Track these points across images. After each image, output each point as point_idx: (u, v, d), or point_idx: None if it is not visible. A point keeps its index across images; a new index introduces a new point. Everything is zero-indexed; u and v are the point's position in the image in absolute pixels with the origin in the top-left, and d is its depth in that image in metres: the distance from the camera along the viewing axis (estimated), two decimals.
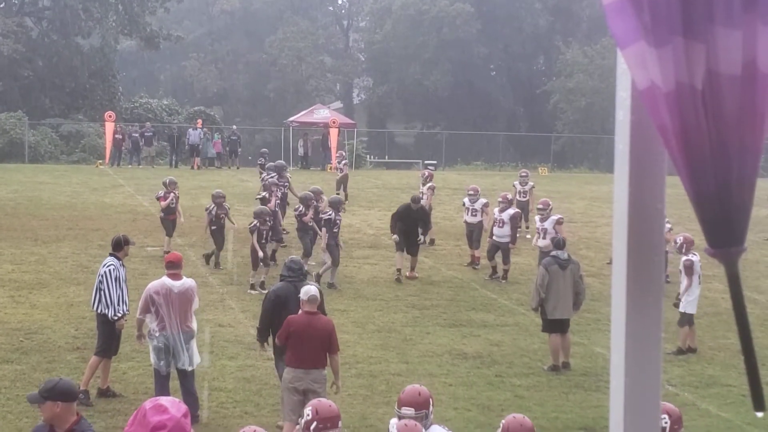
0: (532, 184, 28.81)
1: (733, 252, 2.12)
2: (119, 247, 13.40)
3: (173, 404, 4.57)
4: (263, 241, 20.11)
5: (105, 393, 13.06)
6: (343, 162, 35.49)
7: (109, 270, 13.03)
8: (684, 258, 16.51)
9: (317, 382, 11.04)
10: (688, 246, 16.63)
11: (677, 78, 2.00)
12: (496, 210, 22.47)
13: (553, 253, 15.82)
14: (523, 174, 29.38)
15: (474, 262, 23.45)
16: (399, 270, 21.66)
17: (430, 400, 7.89)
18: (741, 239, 2.15)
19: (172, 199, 23.11)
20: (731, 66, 2.00)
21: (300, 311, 11.27)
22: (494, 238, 22.18)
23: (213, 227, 22.11)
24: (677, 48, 1.99)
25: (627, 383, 2.07)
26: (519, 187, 28.51)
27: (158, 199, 23.61)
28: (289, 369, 11.10)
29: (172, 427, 4.41)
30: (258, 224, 20.06)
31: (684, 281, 16.57)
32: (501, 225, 21.98)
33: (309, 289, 11.29)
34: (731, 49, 1.99)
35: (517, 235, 22.78)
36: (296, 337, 11.01)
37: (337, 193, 34.39)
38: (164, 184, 23.76)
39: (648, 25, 2.01)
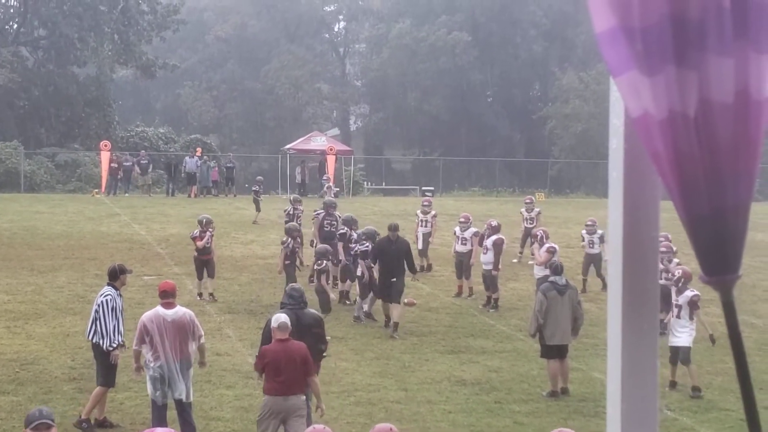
0: (538, 210, 28.90)
1: (727, 280, 2.11)
2: (115, 276, 13.34)
3: None
4: (328, 282, 19.39)
5: (102, 424, 13.00)
6: (327, 186, 38.69)
7: (106, 300, 12.98)
8: (692, 293, 15.95)
9: (298, 408, 11.16)
10: (686, 280, 16.05)
11: (670, 106, 2.00)
12: (471, 235, 22.61)
13: (551, 278, 15.80)
14: (528, 201, 29.38)
15: (460, 293, 23.19)
16: (387, 317, 19.56)
17: None
18: (736, 267, 2.14)
19: (208, 239, 21.69)
20: (723, 94, 2.01)
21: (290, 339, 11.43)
22: (483, 266, 22.10)
23: (287, 261, 21.09)
24: (670, 76, 1.99)
25: (624, 410, 2.06)
26: (526, 214, 28.61)
27: (194, 239, 21.83)
28: (268, 398, 11.21)
29: None
30: (326, 264, 19.30)
31: (684, 315, 16.00)
32: (485, 252, 21.91)
33: (279, 317, 11.45)
34: (723, 77, 2.00)
35: (513, 260, 22.54)
36: (273, 366, 11.12)
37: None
38: (200, 222, 22.03)
39: (641, 54, 2.01)
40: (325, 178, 45.04)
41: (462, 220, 23.52)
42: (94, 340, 13.03)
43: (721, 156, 2.02)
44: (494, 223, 22.49)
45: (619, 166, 2.15)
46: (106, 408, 13.22)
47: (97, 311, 12.96)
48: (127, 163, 47.44)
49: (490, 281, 21.89)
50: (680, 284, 16.04)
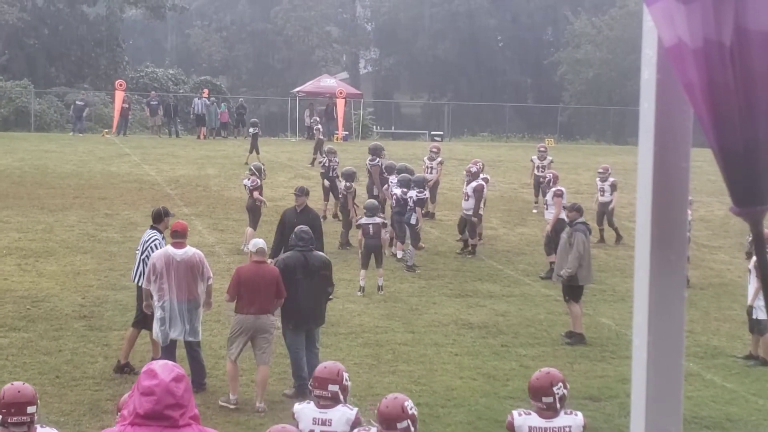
0: (551, 158, 27.88)
1: (758, 211, 2.09)
2: (159, 219, 13.37)
3: (164, 369, 4.52)
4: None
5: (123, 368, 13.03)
6: (316, 128, 38.85)
7: (155, 244, 12.94)
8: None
9: (266, 326, 11.87)
10: None
11: (705, 35, 1.98)
12: (464, 183, 22.16)
13: (581, 220, 15.74)
14: (542, 149, 28.53)
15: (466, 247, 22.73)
16: None
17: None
18: (766, 198, 2.11)
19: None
20: (760, 23, 1.97)
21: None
22: (463, 211, 21.76)
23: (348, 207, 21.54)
24: (706, 4, 1.96)
25: (650, 342, 2.06)
26: (537, 162, 27.56)
27: (256, 189, 20.80)
28: (239, 316, 11.90)
29: (160, 393, 4.39)
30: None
31: (753, 283, 14.24)
32: (466, 198, 21.42)
33: (257, 242, 12.23)
34: (760, 6, 1.96)
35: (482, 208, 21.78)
36: (246, 285, 11.81)
37: (314, 157, 34.34)
38: (258, 171, 21.43)
39: None
40: (313, 120, 45.07)
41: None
42: (140, 283, 12.95)
43: (756, 86, 1.99)
44: (473, 168, 22.10)
45: (651, 97, 2.13)
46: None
47: (143, 254, 12.91)
48: (154, 103, 47.55)
49: (470, 227, 21.47)
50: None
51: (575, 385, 13.14)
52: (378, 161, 23.25)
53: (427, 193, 20.93)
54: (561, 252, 15.73)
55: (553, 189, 20.30)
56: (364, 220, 18.15)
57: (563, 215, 19.18)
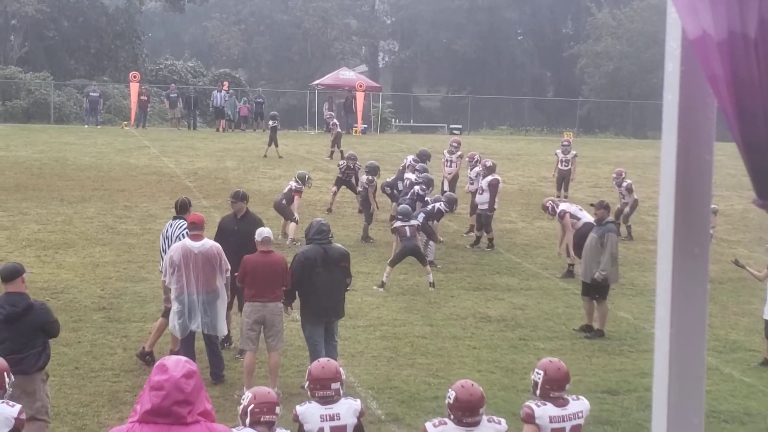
0: (575, 152, 27.62)
1: None
2: (185, 209, 13.46)
3: (176, 364, 4.54)
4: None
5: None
6: (333, 122, 38.76)
7: (184, 233, 12.99)
8: None
9: (274, 314, 12.13)
10: None
11: (730, 27, 1.96)
12: (477, 175, 22.12)
13: (610, 218, 15.65)
14: (566, 143, 27.98)
15: (477, 242, 22.23)
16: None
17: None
18: None
19: None
20: None
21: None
22: (477, 206, 21.73)
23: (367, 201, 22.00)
24: None
25: (672, 334, 2.06)
26: (561, 156, 27.27)
27: (297, 193, 21.12)
28: (248, 304, 12.17)
29: (169, 388, 4.42)
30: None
31: None
32: (481, 192, 21.48)
33: (262, 231, 12.38)
34: None
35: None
36: (253, 274, 12.05)
37: (332, 150, 34.31)
38: (302, 179, 21.45)
39: None
40: (328, 115, 45.05)
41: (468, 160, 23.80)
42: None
43: None
44: (489, 163, 22.07)
45: (675, 89, 2.12)
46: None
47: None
48: (173, 95, 47.44)
49: (486, 221, 21.51)
50: None
51: (593, 379, 13.15)
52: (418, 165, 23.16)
53: (448, 209, 20.82)
54: (591, 252, 15.35)
55: (558, 211, 19.19)
56: (399, 223, 18.27)
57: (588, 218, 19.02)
